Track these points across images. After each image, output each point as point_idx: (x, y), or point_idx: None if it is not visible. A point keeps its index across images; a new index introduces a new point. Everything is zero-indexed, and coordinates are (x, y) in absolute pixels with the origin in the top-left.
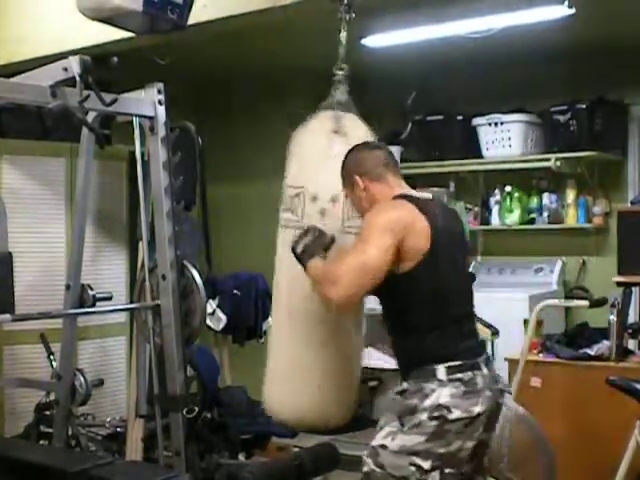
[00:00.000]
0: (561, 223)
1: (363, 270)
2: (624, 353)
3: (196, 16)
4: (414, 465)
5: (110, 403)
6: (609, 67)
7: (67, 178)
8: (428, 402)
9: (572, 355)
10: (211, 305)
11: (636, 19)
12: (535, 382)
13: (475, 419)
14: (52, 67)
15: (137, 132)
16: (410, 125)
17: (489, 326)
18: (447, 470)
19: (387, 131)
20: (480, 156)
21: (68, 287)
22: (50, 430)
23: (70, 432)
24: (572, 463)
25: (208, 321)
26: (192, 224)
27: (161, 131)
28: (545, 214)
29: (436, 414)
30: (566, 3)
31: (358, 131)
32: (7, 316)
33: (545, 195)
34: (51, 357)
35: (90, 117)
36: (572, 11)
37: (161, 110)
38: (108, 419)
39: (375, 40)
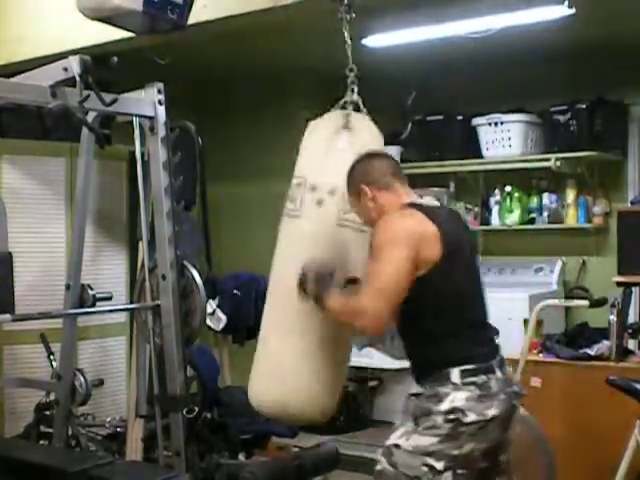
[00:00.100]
0: (561, 223)
1: (384, 293)
2: (624, 353)
3: (196, 16)
4: (427, 465)
5: (110, 403)
6: (609, 67)
7: (67, 178)
8: (443, 406)
9: (572, 355)
10: (211, 305)
11: (636, 19)
12: (535, 382)
13: (489, 422)
14: (52, 67)
15: (137, 132)
16: (410, 125)
17: None
18: (460, 471)
19: (387, 131)
20: (480, 156)
21: (68, 287)
22: (50, 430)
23: (70, 432)
24: (572, 463)
25: (208, 321)
26: (192, 224)
27: (161, 131)
28: (545, 214)
29: (451, 417)
30: (566, 3)
31: (365, 131)
32: (7, 316)
33: (545, 195)
34: (51, 357)
35: (90, 117)
36: (572, 11)
37: (161, 110)
38: (108, 419)
39: (375, 40)
